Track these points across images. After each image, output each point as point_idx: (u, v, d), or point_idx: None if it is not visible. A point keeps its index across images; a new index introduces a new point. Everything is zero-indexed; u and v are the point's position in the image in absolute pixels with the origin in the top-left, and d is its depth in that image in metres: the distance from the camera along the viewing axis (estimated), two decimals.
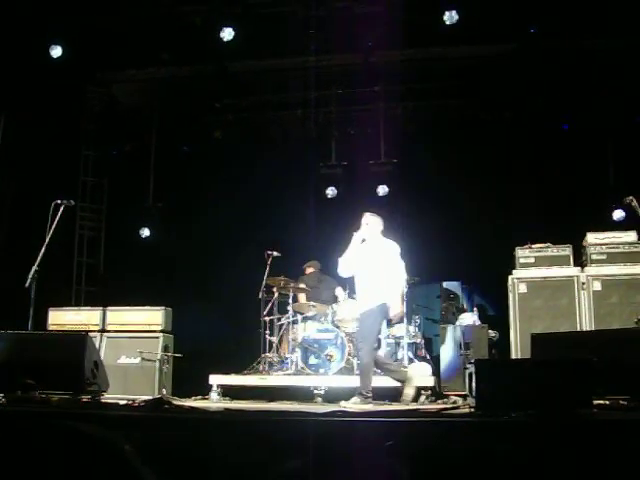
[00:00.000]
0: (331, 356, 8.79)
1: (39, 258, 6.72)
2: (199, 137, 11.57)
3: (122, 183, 11.48)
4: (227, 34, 9.02)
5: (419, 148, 10.61)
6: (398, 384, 7.67)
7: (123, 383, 8.09)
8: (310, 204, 10.95)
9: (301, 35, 9.42)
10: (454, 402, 7.43)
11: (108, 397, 6.76)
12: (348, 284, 9.46)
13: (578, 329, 7.83)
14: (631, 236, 8.20)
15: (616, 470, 3.48)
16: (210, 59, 10.12)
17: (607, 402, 5.18)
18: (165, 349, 8.66)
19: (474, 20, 8.68)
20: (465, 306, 9.27)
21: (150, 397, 6.87)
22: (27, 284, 6.63)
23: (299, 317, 9.31)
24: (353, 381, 8.45)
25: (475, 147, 10.35)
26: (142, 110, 11.57)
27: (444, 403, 7.53)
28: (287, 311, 9.44)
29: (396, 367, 7.81)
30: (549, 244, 8.45)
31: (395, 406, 7.30)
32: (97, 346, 8.14)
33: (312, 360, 8.75)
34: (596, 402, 4.76)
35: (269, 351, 9.27)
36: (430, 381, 8.22)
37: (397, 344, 9.28)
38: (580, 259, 8.40)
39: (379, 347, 7.99)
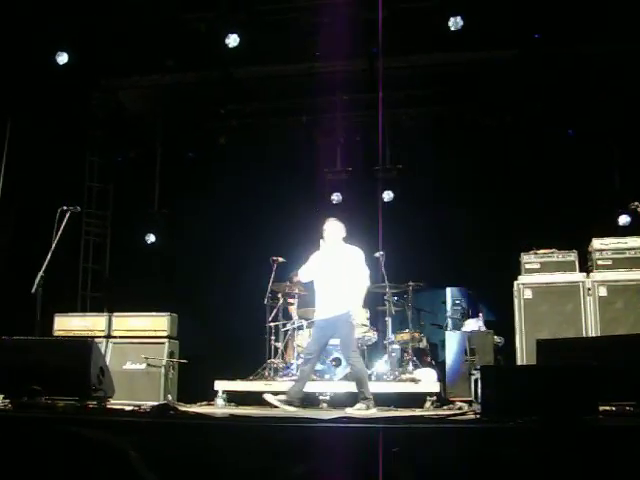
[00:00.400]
0: (336, 362, 8.79)
1: (45, 264, 6.74)
2: (204, 143, 11.59)
3: (127, 189, 11.51)
4: (232, 40, 9.04)
5: (424, 154, 10.61)
6: (404, 390, 7.68)
7: (129, 389, 8.09)
8: (315, 209, 10.96)
9: (305, 41, 9.44)
10: (460, 408, 7.43)
11: (114, 403, 6.77)
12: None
13: (584, 335, 7.81)
14: (637, 241, 8.17)
15: (622, 476, 3.47)
16: (215, 65, 10.14)
17: (613, 408, 5.17)
18: (170, 355, 8.67)
19: (476, 26, 8.69)
20: (470, 312, 9.26)
21: (156, 403, 6.88)
22: (33, 290, 6.64)
23: (304, 323, 9.32)
24: None
25: (480, 152, 10.35)
26: (147, 116, 11.61)
27: (450, 409, 7.53)
28: (292, 317, 9.46)
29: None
30: (554, 250, 8.44)
31: (401, 412, 7.30)
32: (103, 352, 8.16)
33: (317, 366, 8.75)
34: (602, 408, 4.75)
35: (274, 357, 9.28)
36: (436, 387, 8.22)
37: (402, 350, 9.28)
38: (585, 265, 8.38)
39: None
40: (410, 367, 8.91)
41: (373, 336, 9.45)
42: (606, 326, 7.85)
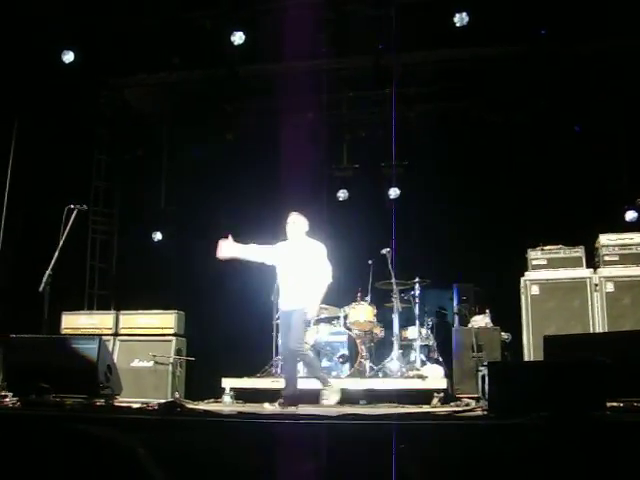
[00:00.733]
0: (343, 359, 8.79)
1: (52, 262, 6.76)
2: (210, 140, 11.59)
3: (134, 187, 11.52)
4: (238, 38, 9.04)
5: (430, 150, 10.59)
6: (411, 386, 7.68)
7: (136, 387, 8.11)
8: (322, 207, 10.96)
9: (312, 38, 9.42)
10: (467, 404, 7.41)
11: (121, 400, 6.80)
12: (361, 287, 9.48)
13: (591, 331, 7.79)
14: None
15: (630, 472, 3.47)
16: (221, 63, 10.13)
17: (621, 404, 5.16)
18: (178, 352, 8.69)
19: (483, 22, 8.66)
20: (477, 308, 9.24)
21: (163, 400, 6.91)
22: (41, 288, 6.67)
23: (311, 320, 9.32)
24: (365, 384, 8.48)
25: (486, 149, 10.32)
26: (154, 114, 11.61)
27: (457, 405, 7.52)
28: None
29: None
30: (561, 246, 8.42)
31: (408, 409, 7.30)
32: (110, 350, 8.18)
33: (324, 363, 8.77)
34: (609, 404, 4.75)
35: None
36: (443, 383, 8.22)
37: (410, 346, 9.28)
38: (592, 260, 8.37)
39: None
40: (417, 364, 8.91)
41: (380, 333, 9.46)
42: (613, 322, 7.84)
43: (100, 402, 6.31)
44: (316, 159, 11.08)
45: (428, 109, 11.01)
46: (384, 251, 8.97)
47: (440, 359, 9.28)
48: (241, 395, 8.66)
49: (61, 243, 6.94)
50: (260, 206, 10.87)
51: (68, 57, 9.31)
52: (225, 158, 11.40)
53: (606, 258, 8.18)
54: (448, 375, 8.53)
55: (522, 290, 8.29)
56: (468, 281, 9.77)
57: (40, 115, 9.82)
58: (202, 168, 11.44)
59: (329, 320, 9.44)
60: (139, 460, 2.71)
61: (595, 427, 3.83)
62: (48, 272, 6.70)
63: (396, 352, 9.03)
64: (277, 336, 9.31)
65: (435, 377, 8.43)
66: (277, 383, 8.40)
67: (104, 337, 7.78)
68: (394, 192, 10.80)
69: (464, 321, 9.15)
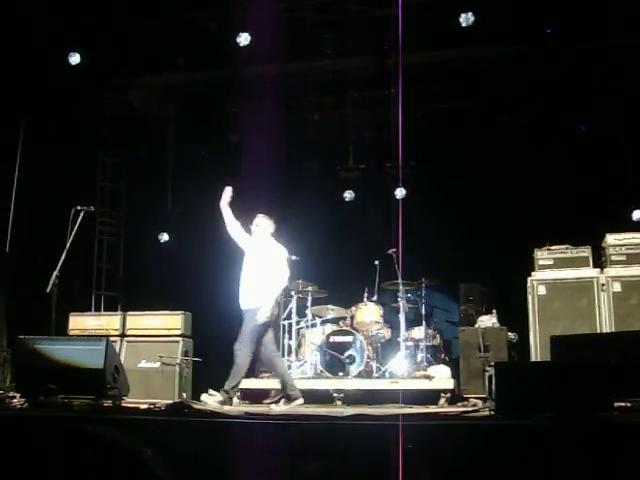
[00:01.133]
0: (350, 359, 8.79)
1: (60, 264, 6.78)
2: (216, 141, 11.60)
3: (140, 188, 11.53)
4: (243, 39, 9.05)
5: (436, 150, 10.59)
6: (418, 387, 7.67)
7: (143, 387, 8.11)
8: (328, 208, 10.98)
9: (317, 39, 9.43)
10: (474, 405, 7.41)
11: (129, 401, 6.82)
12: (368, 288, 9.48)
13: (598, 331, 7.76)
14: None
15: (637, 473, 3.46)
16: (225, 64, 10.13)
17: (628, 404, 5.15)
18: (185, 353, 8.69)
19: (488, 22, 8.65)
20: (484, 308, 9.23)
21: (170, 401, 6.92)
22: (48, 289, 6.69)
23: (318, 320, 9.32)
24: (372, 384, 8.49)
25: (492, 148, 10.31)
26: (159, 115, 11.62)
27: (464, 406, 7.52)
28: (306, 314, 9.46)
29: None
30: (568, 245, 8.40)
31: (415, 409, 7.30)
32: (117, 351, 8.20)
33: (331, 363, 8.76)
34: (617, 404, 4.74)
35: (288, 355, 9.29)
36: (450, 384, 8.22)
37: (416, 347, 9.27)
38: (599, 260, 8.34)
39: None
40: (424, 364, 8.90)
41: (387, 333, 9.46)
42: (620, 322, 7.80)
43: (107, 403, 6.33)
44: (322, 160, 11.09)
45: (433, 109, 10.99)
46: (390, 251, 8.97)
47: (447, 359, 9.28)
48: (248, 396, 8.66)
49: (68, 245, 6.97)
50: (265, 207, 10.86)
51: (74, 59, 9.34)
52: (230, 159, 11.40)
53: (613, 258, 8.15)
54: (455, 375, 8.52)
55: (529, 290, 8.27)
56: (475, 281, 9.76)
57: (45, 117, 9.84)
58: (207, 169, 11.44)
59: (336, 321, 9.44)
60: (147, 461, 2.72)
61: (602, 428, 3.83)
62: (55, 273, 6.72)
63: (403, 352, 9.03)
64: (282, 336, 9.33)
65: (442, 377, 8.42)
66: None
67: (111, 338, 7.77)
68: (400, 192, 10.80)
69: (471, 321, 9.14)
